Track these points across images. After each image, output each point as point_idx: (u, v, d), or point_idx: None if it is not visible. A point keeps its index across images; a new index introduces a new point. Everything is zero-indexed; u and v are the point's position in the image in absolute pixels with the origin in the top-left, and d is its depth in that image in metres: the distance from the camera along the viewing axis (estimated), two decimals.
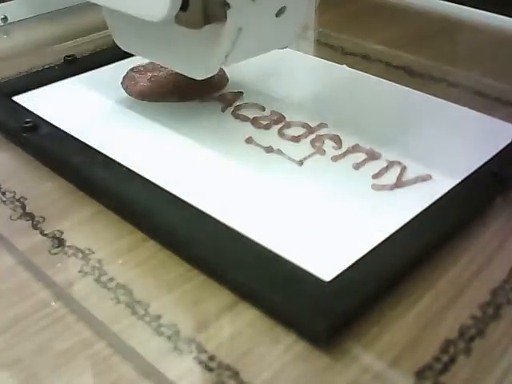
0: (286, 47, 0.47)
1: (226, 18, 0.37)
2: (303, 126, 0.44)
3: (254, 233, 0.33)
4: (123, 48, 0.47)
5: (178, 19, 0.38)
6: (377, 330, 0.29)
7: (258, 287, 0.31)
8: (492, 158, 0.39)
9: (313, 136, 0.43)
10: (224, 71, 0.51)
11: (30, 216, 0.37)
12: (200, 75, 0.42)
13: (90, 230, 0.36)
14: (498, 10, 0.62)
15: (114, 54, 0.54)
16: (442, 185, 0.37)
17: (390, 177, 0.38)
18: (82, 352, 0.29)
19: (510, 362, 0.28)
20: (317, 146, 0.42)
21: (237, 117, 0.46)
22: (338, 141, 0.42)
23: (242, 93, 0.48)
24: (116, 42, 0.47)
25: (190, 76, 0.43)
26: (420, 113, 0.46)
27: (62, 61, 0.53)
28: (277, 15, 0.41)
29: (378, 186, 0.38)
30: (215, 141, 0.43)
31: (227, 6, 0.36)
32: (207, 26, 0.37)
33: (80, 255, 0.34)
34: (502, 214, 0.36)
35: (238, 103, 0.47)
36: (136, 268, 0.33)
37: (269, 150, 0.41)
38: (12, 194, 0.39)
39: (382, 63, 0.55)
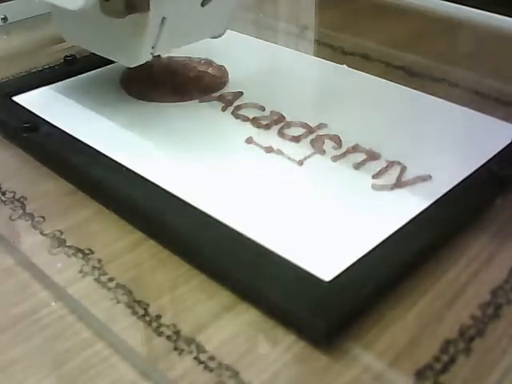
0: (220, 36, 0.49)
1: (149, 7, 0.40)
2: (303, 126, 0.44)
3: (254, 233, 0.33)
4: (66, 39, 0.49)
5: (102, 8, 0.40)
6: (377, 330, 0.29)
7: (258, 287, 0.31)
8: (492, 158, 0.39)
9: (313, 136, 0.43)
10: (224, 71, 0.51)
11: (30, 216, 0.37)
12: (131, 63, 0.45)
13: (90, 230, 0.36)
14: (498, 10, 0.62)
15: None
16: (441, 185, 0.37)
17: (390, 177, 0.38)
18: (81, 352, 0.29)
19: (510, 362, 0.28)
20: (317, 146, 0.42)
21: (237, 117, 0.45)
22: (338, 141, 0.42)
23: (241, 93, 0.48)
24: (60, 33, 0.49)
25: (122, 64, 0.46)
26: (420, 113, 0.46)
27: (62, 61, 0.53)
28: (202, 5, 0.43)
29: (378, 186, 0.38)
30: (215, 141, 0.43)
31: None
32: (133, 16, 0.40)
33: (80, 255, 0.34)
34: (501, 214, 0.36)
35: (237, 103, 0.47)
36: (136, 268, 0.33)
37: (269, 149, 0.41)
38: (12, 194, 0.39)
39: (382, 63, 0.55)
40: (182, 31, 0.44)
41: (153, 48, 0.43)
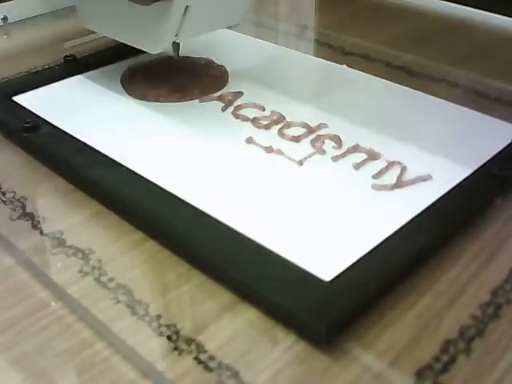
0: (235, 25, 0.51)
1: None
2: (303, 126, 0.44)
3: (254, 233, 0.33)
4: (89, 27, 0.51)
5: None
6: (377, 330, 0.29)
7: (257, 287, 0.31)
8: (492, 158, 0.39)
9: (313, 136, 0.43)
10: (224, 71, 0.51)
11: (30, 216, 0.37)
12: (152, 49, 0.46)
13: (90, 230, 0.36)
14: (498, 10, 0.62)
15: (113, 54, 0.54)
16: (441, 185, 0.37)
17: (390, 177, 0.38)
18: (82, 352, 0.29)
19: (510, 362, 0.28)
20: (317, 146, 0.42)
21: (237, 117, 0.45)
22: (338, 141, 0.42)
23: (242, 93, 0.48)
24: (82, 21, 0.50)
25: (143, 50, 0.47)
26: (420, 113, 0.46)
27: (62, 61, 0.53)
28: None
29: (378, 186, 0.38)
30: (215, 141, 0.43)
31: None
32: (157, 3, 0.42)
33: (80, 255, 0.34)
34: (501, 214, 0.36)
35: (238, 103, 0.47)
36: (136, 268, 0.33)
37: (269, 149, 0.41)
38: (12, 194, 0.39)
39: (382, 63, 0.55)
40: (203, 20, 0.46)
41: (176, 36, 0.45)
